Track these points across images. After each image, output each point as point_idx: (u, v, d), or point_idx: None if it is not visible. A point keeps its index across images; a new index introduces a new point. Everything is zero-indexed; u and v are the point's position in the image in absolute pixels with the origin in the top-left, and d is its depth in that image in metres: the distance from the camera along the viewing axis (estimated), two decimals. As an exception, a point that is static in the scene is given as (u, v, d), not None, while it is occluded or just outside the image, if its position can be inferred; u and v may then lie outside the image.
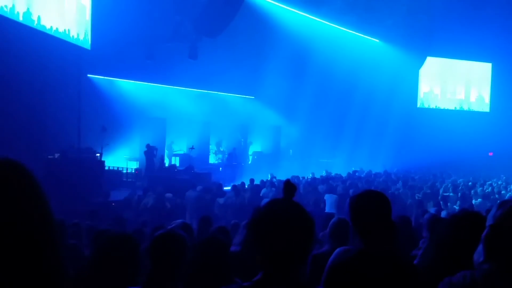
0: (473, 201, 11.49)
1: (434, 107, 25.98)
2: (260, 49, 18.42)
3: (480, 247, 1.50)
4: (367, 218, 2.17)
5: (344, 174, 16.81)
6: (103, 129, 14.51)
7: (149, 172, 16.24)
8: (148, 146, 16.64)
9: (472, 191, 13.01)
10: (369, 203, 2.21)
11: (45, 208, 0.86)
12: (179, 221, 4.46)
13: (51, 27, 13.97)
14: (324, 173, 17.50)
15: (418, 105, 25.72)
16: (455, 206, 10.83)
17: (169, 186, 12.02)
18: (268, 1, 18.55)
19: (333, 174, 17.12)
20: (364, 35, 21.72)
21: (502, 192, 13.85)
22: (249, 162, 21.25)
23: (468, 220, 1.88)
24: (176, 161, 19.24)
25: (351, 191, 10.92)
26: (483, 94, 26.97)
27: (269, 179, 14.77)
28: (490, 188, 14.12)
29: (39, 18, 13.42)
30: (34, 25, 13.25)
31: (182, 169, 16.82)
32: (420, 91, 25.89)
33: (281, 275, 1.51)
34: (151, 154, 16.49)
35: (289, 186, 1.63)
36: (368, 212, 2.18)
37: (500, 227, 1.48)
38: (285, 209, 1.57)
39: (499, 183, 15.69)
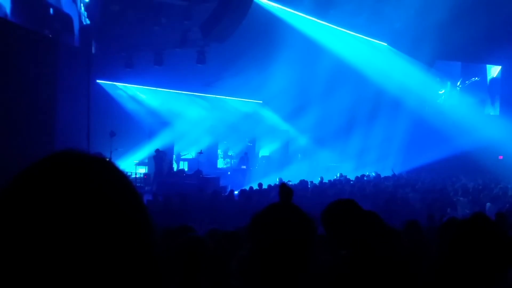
0: (485, 205, 11.37)
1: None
2: (268, 54, 18.42)
3: None
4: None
5: (352, 178, 16.77)
6: (112, 134, 14.62)
7: (158, 176, 16.30)
8: (157, 151, 16.71)
9: (482, 195, 12.88)
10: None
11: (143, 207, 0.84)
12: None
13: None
14: (337, 176, 17.55)
15: (428, 109, 25.57)
16: (466, 210, 10.73)
17: (178, 190, 12.04)
18: (276, 6, 18.57)
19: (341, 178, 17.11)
20: (372, 38, 21.65)
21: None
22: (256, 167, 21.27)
23: (477, 224, 1.87)
24: (184, 165, 19.29)
25: (358, 195, 10.89)
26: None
27: (277, 183, 14.76)
28: (501, 191, 13.97)
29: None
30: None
31: (190, 173, 16.85)
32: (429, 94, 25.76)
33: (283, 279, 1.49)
34: (160, 159, 16.56)
35: (285, 189, 1.62)
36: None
37: None
38: (283, 213, 1.56)
39: (509, 186, 15.52)
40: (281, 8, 18.79)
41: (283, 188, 1.61)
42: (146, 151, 17.94)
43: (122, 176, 0.82)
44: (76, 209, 0.73)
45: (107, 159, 0.84)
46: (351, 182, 16.00)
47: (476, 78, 26.28)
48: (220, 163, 21.64)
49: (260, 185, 13.30)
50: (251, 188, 12.92)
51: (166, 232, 2.97)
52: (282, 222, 1.52)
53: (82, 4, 15.55)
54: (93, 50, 16.46)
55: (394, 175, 18.34)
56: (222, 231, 5.22)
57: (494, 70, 26.51)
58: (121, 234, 0.76)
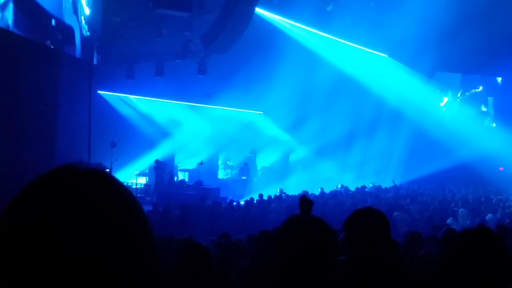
0: (485, 217, 11.34)
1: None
2: (268, 65, 18.51)
3: None
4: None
5: (353, 189, 16.76)
6: (112, 144, 14.64)
7: (159, 187, 16.30)
8: (157, 161, 16.72)
9: (483, 206, 12.87)
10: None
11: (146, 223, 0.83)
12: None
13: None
14: (338, 187, 17.54)
15: (429, 120, 25.60)
16: (466, 221, 10.70)
17: (178, 201, 12.05)
18: (277, 18, 18.68)
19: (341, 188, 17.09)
20: (372, 50, 21.73)
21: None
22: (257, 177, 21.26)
23: (478, 236, 1.87)
24: (185, 176, 19.30)
25: (359, 206, 10.85)
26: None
27: (278, 194, 14.74)
28: (501, 203, 13.95)
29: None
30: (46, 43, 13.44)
31: (191, 184, 16.86)
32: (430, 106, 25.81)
33: None
34: (160, 169, 16.57)
35: (305, 201, 1.65)
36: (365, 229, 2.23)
37: None
38: (306, 224, 1.59)
39: (510, 198, 15.50)
40: (281, 20, 18.90)
41: (303, 200, 1.65)
42: (146, 161, 17.94)
43: (123, 190, 0.83)
44: (79, 223, 0.73)
45: (108, 173, 0.85)
46: (350, 192, 16.00)
47: (476, 90, 26.35)
48: (221, 174, 21.64)
49: (260, 196, 13.28)
50: (251, 199, 12.91)
51: (168, 243, 2.98)
52: (305, 233, 1.55)
53: (83, 17, 15.63)
54: (95, 61, 16.54)
55: (395, 185, 18.33)
56: (223, 242, 5.22)
57: (494, 82, 26.57)
58: (123, 246, 0.77)
